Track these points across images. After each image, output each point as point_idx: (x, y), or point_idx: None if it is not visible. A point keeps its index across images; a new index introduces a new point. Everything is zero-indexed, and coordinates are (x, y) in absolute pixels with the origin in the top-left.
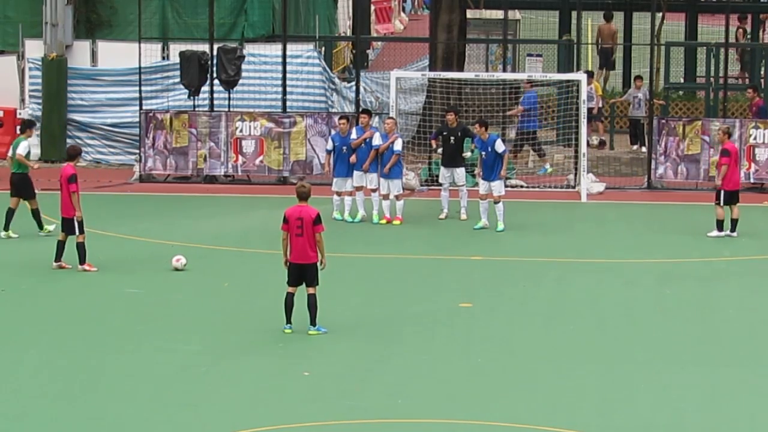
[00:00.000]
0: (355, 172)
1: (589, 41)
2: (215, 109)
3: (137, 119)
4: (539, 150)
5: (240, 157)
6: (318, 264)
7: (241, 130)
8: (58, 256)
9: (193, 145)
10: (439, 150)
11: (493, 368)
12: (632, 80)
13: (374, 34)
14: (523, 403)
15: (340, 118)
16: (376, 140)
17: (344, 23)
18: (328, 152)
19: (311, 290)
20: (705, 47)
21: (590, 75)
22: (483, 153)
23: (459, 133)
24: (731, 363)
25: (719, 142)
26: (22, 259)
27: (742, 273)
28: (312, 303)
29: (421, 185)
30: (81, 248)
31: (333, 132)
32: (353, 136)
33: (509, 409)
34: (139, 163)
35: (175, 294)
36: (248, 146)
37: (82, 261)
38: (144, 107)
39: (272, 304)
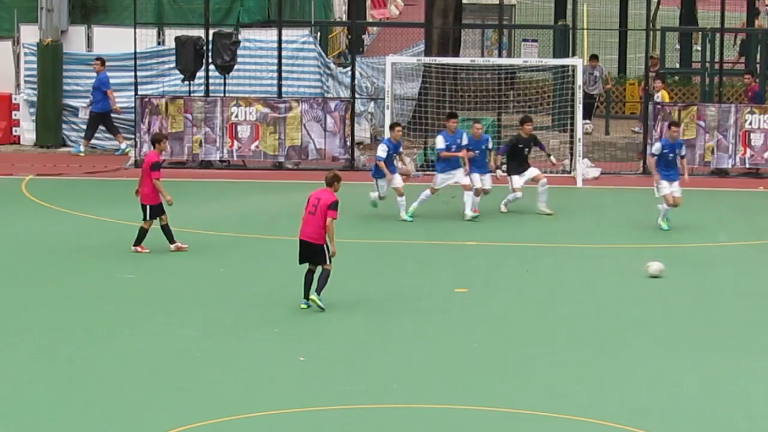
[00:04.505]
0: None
1: (585, 26)
2: (211, 94)
3: (132, 104)
4: (115, 129)
5: (235, 143)
6: (325, 248)
7: (236, 116)
8: (138, 241)
9: (188, 130)
10: (503, 167)
11: (488, 354)
12: (588, 59)
13: (370, 19)
14: (519, 388)
15: (395, 125)
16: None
17: (340, 8)
18: (382, 160)
19: (327, 267)
20: (701, 32)
21: (662, 80)
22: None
23: (531, 144)
24: (727, 348)
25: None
26: (20, 243)
27: (738, 258)
28: (323, 275)
29: (417, 170)
30: (167, 229)
31: (386, 138)
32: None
33: (505, 395)
34: (135, 148)
35: (170, 279)
36: (244, 131)
37: (171, 240)
38: (139, 92)
39: (268, 290)
